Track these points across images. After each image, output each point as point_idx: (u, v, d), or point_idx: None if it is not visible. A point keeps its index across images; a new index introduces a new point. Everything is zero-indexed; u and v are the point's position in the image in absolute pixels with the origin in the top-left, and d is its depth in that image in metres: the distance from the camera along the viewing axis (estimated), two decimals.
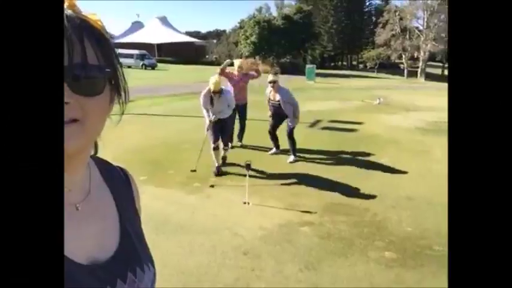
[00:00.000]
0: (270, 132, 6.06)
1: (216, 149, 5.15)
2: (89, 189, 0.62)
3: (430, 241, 3.37)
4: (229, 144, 5.70)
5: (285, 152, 6.00)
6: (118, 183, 0.70)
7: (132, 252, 0.64)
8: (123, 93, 0.60)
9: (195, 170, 5.18)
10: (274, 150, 6.18)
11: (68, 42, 0.48)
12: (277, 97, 5.66)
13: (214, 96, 4.98)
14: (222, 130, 5.27)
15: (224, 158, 5.47)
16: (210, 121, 5.14)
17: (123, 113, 0.61)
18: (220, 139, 5.28)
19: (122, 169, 0.75)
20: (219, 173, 5.11)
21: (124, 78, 0.60)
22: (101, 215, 0.63)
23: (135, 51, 35.19)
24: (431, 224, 3.68)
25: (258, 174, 5.04)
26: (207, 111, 5.19)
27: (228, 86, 5.99)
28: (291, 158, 5.79)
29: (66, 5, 0.51)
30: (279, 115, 5.80)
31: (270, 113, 5.96)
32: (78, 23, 0.50)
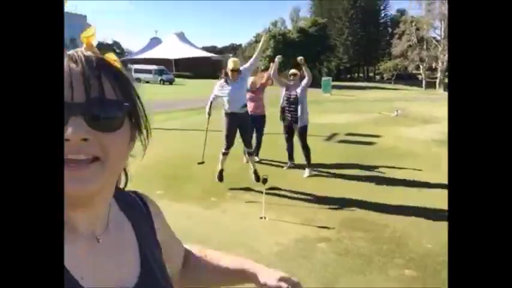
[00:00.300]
0: (286, 139, 6.13)
1: (225, 154, 5.13)
2: (107, 221, 0.60)
3: None
4: (252, 147, 5.53)
5: (301, 166, 5.97)
6: (136, 211, 0.68)
7: (153, 282, 0.62)
8: (144, 131, 0.59)
9: (202, 162, 5.43)
10: (289, 164, 6.17)
11: (85, 79, 0.49)
12: (294, 91, 5.76)
13: (232, 75, 4.99)
14: (241, 129, 5.13)
15: (255, 172, 5.21)
16: (225, 113, 5.08)
17: (145, 150, 0.61)
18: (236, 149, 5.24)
19: (138, 195, 0.72)
20: (221, 178, 5.14)
21: (145, 115, 0.58)
22: (121, 245, 0.61)
23: (154, 67, 35.80)
24: None
25: (274, 190, 5.01)
26: (213, 99, 5.21)
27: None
28: (307, 172, 5.76)
29: (83, 47, 0.53)
30: (293, 111, 5.81)
31: (283, 103, 5.95)
32: (95, 61, 0.52)
